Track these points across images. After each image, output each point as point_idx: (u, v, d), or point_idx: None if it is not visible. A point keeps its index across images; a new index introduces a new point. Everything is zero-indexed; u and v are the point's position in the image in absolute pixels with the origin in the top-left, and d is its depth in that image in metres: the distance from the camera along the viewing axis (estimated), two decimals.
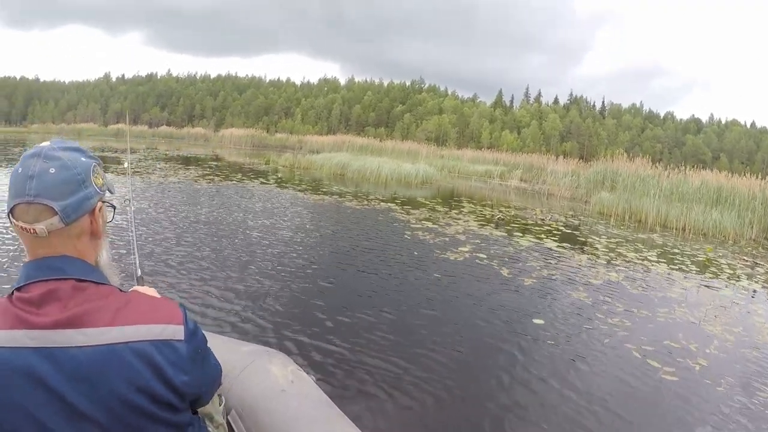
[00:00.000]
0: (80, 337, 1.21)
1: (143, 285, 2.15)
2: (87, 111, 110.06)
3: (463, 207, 16.84)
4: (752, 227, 16.61)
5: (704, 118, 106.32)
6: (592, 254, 10.59)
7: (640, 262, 10.28)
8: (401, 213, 13.88)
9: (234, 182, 18.94)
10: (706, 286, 8.90)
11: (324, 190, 18.65)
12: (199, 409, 1.68)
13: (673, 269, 9.92)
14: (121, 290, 1.39)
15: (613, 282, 8.33)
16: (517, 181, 33.14)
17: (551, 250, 10.61)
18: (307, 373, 2.74)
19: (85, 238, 1.36)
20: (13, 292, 1.28)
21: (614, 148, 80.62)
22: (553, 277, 8.25)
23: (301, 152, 39.07)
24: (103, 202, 1.42)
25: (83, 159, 1.35)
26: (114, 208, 1.53)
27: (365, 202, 15.60)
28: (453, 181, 31.01)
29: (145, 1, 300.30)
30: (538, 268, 8.81)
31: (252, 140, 61.36)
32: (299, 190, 17.76)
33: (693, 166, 23.63)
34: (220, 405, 1.95)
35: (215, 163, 29.43)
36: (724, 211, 17.24)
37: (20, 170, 1.27)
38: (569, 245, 11.44)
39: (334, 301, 6.30)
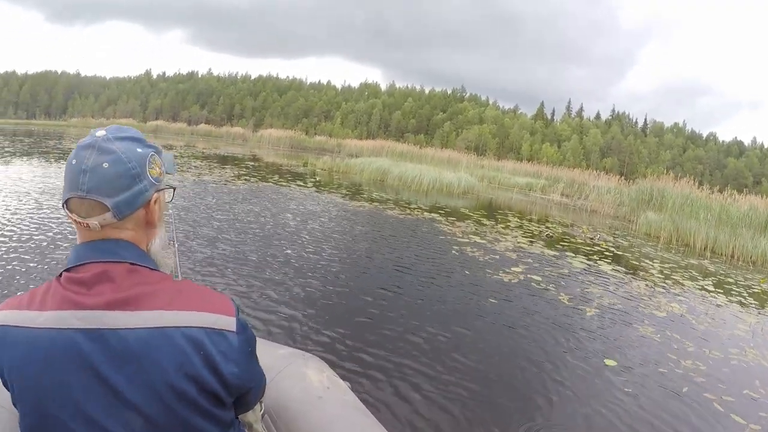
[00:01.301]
0: (133, 318, 1.18)
1: None
2: (127, 106, 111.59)
3: (509, 221, 16.27)
4: None
5: (747, 141, 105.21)
6: (648, 280, 9.98)
7: (698, 291, 9.69)
8: (446, 225, 13.34)
9: (271, 183, 18.61)
10: None
11: (364, 196, 18.22)
12: (240, 416, 1.64)
13: (732, 301, 9.34)
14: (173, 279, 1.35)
15: (677, 315, 7.75)
16: (559, 195, 32.54)
17: (606, 274, 10.02)
18: (343, 380, 2.58)
19: (139, 229, 1.32)
20: (62, 273, 1.25)
21: (655, 166, 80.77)
22: (615, 307, 7.64)
23: (339, 156, 38.81)
24: (159, 191, 1.36)
25: (139, 150, 1.29)
26: (174, 189, 1.51)
27: (407, 211, 15.09)
28: (494, 192, 30.42)
29: (188, 0, 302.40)
30: (598, 295, 8.22)
31: (291, 142, 61.00)
32: (339, 195, 17.34)
33: (735, 191, 23.01)
34: (260, 411, 1.87)
35: (252, 163, 29.18)
36: None
37: (74, 162, 1.22)
38: (623, 269, 10.85)
39: (380, 313, 6.10)
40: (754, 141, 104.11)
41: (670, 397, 4.84)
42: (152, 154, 1.33)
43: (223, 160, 28.31)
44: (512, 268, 9.13)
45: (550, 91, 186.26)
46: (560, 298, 7.72)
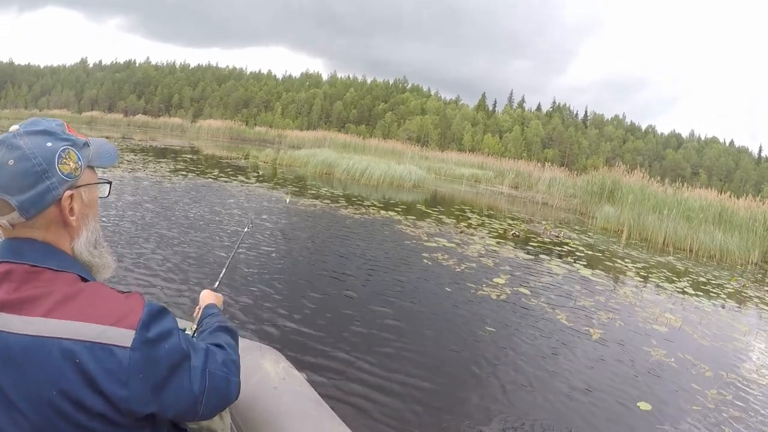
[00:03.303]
0: (19, 323, 1.12)
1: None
2: (61, 97, 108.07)
3: (469, 218, 15.57)
4: (755, 250, 16.04)
5: (685, 134, 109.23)
6: (631, 285, 9.55)
7: (682, 296, 9.39)
8: (408, 226, 12.35)
9: (212, 179, 17.14)
10: (760, 329, 8.19)
11: (312, 192, 17.00)
12: (206, 424, 1.63)
13: (716, 305, 9.19)
14: (84, 279, 1.26)
15: (676, 329, 7.19)
16: (507, 187, 32.75)
17: (589, 280, 9.35)
18: (299, 371, 2.63)
19: (54, 228, 1.25)
20: None
21: (595, 157, 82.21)
22: (617, 325, 6.86)
23: (281, 147, 37.74)
24: (77, 187, 1.26)
25: (49, 144, 1.20)
26: (110, 183, 1.44)
27: (362, 210, 14.06)
28: (442, 184, 30.06)
29: None
30: (593, 309, 7.45)
31: (230, 132, 59.85)
32: (286, 193, 16.10)
33: (673, 181, 23.42)
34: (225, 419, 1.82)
35: (191, 156, 27.62)
36: (727, 232, 16.72)
37: None
38: (602, 272, 10.30)
39: (351, 328, 5.47)
40: (692, 134, 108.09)
41: None
42: (65, 149, 1.22)
43: (161, 153, 26.78)
44: (494, 280, 8.24)
45: (492, 83, 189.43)
46: (558, 317, 6.83)
